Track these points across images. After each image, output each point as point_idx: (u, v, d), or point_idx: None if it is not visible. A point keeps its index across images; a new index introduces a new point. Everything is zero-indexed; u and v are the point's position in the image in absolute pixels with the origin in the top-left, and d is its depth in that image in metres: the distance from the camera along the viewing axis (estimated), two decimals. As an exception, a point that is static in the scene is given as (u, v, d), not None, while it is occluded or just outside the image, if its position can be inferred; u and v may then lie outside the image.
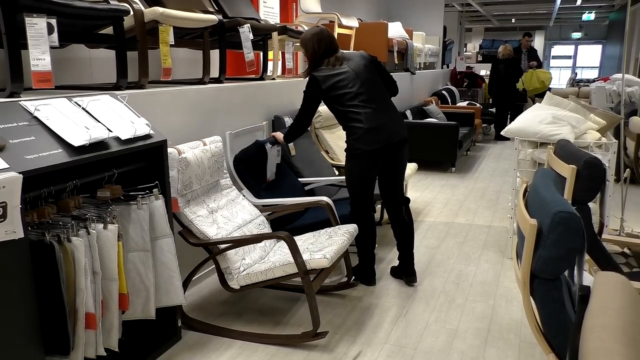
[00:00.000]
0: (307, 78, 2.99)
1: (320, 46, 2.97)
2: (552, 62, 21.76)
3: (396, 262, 3.44)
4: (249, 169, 3.12)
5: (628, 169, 3.77)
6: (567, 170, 2.26)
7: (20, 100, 1.92)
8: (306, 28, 4.39)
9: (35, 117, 1.89)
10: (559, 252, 1.39)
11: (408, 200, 3.17)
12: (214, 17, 3.00)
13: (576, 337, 0.92)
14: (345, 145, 2.99)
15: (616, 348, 0.76)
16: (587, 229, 2.21)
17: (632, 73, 9.76)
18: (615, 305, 0.91)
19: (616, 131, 4.74)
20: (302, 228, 3.13)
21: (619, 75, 6.51)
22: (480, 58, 17.21)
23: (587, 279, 1.75)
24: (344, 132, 3.35)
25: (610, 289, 0.99)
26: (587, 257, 2.27)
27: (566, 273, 1.63)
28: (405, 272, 3.15)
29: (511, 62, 8.35)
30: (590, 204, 2.38)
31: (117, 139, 2.06)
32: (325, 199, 2.98)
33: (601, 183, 2.20)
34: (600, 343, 0.78)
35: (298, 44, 4.52)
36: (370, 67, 2.99)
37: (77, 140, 1.87)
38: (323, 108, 4.16)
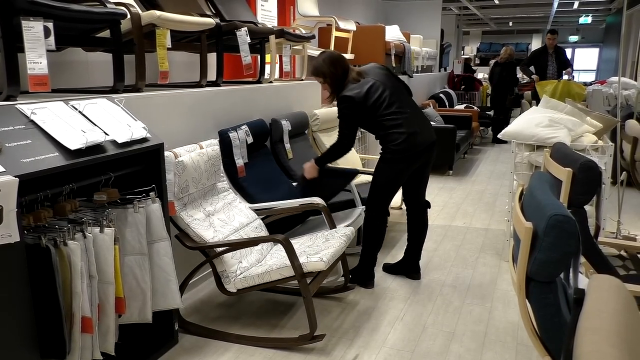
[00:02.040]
0: (337, 100, 2.96)
1: (337, 67, 2.97)
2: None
3: (390, 261, 3.45)
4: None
5: (625, 172, 3.78)
6: (563, 173, 2.27)
7: (16, 104, 1.92)
8: (304, 31, 4.40)
9: (32, 121, 1.89)
10: (555, 255, 1.39)
11: (429, 204, 3.26)
12: (211, 21, 3.00)
13: (570, 340, 0.92)
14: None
15: (609, 351, 0.76)
16: (583, 231, 2.21)
17: (628, 76, 9.80)
18: (609, 308, 0.92)
19: (613, 134, 4.75)
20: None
21: (616, 79, 6.54)
22: (477, 61, 17.26)
23: (584, 282, 1.75)
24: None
25: (604, 292, 0.99)
26: (583, 260, 2.27)
27: (563, 276, 1.64)
28: (413, 270, 3.29)
29: (506, 66, 8.42)
30: (587, 207, 2.39)
31: (114, 142, 2.06)
32: (319, 200, 2.98)
33: (597, 186, 2.20)
34: (594, 346, 0.78)
35: (296, 48, 4.53)
36: (389, 75, 3.07)
37: (73, 144, 1.87)
38: (320, 111, 4.16)
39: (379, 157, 3.03)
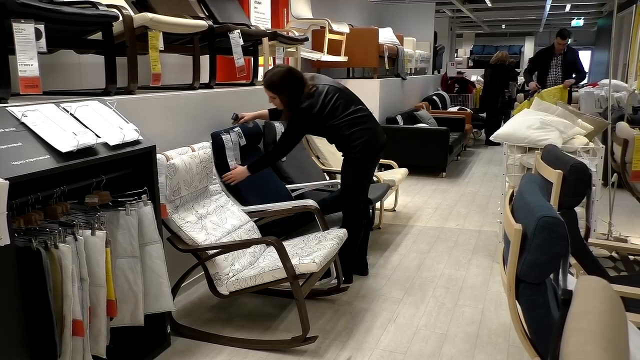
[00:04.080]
0: (294, 112, 2.91)
1: (294, 86, 2.90)
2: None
3: (386, 267, 3.49)
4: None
5: (616, 174, 3.81)
6: (553, 175, 2.28)
7: (7, 106, 1.91)
8: (297, 34, 4.41)
9: (23, 123, 1.88)
10: (544, 257, 1.40)
11: (371, 200, 3.35)
12: (204, 23, 3.00)
13: (557, 341, 0.93)
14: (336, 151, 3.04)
15: (594, 351, 0.77)
16: (573, 233, 2.23)
17: (619, 79, 9.87)
18: (595, 309, 0.93)
19: (604, 136, 4.78)
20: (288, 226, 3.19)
21: (607, 81, 6.58)
22: (471, 64, 17.33)
23: (573, 283, 1.76)
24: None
25: (591, 293, 1.00)
26: (574, 261, 2.29)
27: (552, 277, 1.65)
28: (362, 265, 3.37)
29: (498, 69, 8.47)
30: (577, 209, 2.40)
31: (106, 144, 2.06)
32: (312, 202, 2.98)
33: (587, 188, 2.22)
34: (579, 347, 0.79)
35: (289, 51, 4.53)
36: (335, 80, 3.11)
37: (64, 146, 1.87)
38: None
39: (342, 160, 3.07)
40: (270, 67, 4.05)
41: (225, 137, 3.06)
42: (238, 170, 2.99)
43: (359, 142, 2.96)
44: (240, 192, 3.10)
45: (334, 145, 3.11)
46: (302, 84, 2.93)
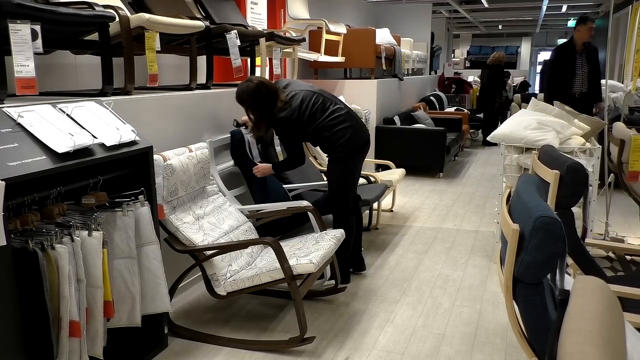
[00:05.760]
0: (273, 124, 2.95)
1: (264, 101, 2.89)
2: (539, 68, 22.00)
3: (384, 267, 3.49)
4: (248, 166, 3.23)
5: (612, 174, 3.82)
6: (550, 176, 2.29)
7: (3, 107, 1.90)
8: (294, 34, 4.41)
9: (19, 124, 1.87)
10: (541, 257, 1.40)
11: (360, 196, 3.38)
12: (201, 24, 3.00)
13: (555, 341, 0.93)
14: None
15: (592, 351, 0.77)
16: (570, 233, 2.24)
17: (616, 79, 9.90)
18: (592, 309, 0.93)
19: (600, 136, 4.79)
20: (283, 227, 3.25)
21: (604, 81, 6.59)
22: (468, 64, 17.36)
23: (570, 283, 1.76)
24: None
25: (588, 293, 1.00)
26: (571, 261, 2.29)
27: (550, 277, 1.65)
28: (358, 262, 3.40)
29: (495, 69, 8.49)
30: (574, 209, 2.41)
31: (102, 145, 2.05)
32: (307, 203, 2.99)
33: (584, 188, 2.22)
34: (577, 347, 0.79)
35: (286, 51, 4.53)
36: (310, 84, 3.13)
37: (61, 147, 1.86)
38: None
39: (327, 160, 3.08)
40: (267, 68, 4.06)
41: (245, 131, 3.23)
42: (264, 165, 3.13)
43: (341, 141, 2.97)
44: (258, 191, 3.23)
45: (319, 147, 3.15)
46: (274, 96, 2.91)
